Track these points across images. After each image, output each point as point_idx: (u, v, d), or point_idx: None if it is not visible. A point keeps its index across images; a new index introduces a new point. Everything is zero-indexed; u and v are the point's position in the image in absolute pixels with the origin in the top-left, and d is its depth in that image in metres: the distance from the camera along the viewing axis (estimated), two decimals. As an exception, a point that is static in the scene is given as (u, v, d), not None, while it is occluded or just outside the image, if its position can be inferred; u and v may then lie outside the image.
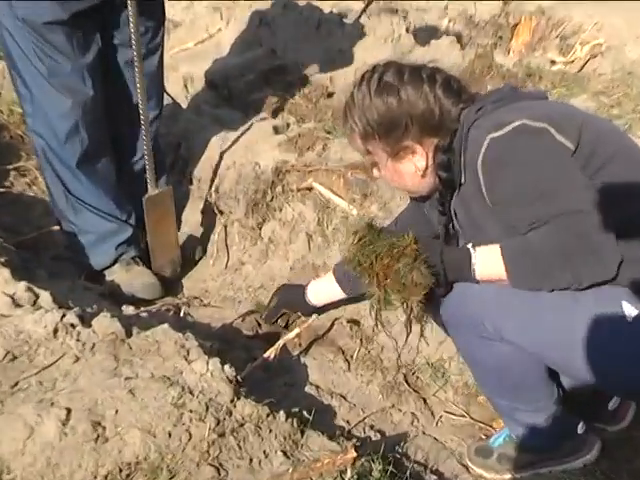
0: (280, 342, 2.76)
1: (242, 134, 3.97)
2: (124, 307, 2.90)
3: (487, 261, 2.04)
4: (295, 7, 5.37)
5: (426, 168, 2.29)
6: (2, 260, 2.79)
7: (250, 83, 4.67)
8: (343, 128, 2.41)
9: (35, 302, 2.49)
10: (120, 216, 3.38)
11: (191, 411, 2.08)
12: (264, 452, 2.09)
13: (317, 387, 2.75)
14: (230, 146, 3.89)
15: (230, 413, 2.14)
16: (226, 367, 2.28)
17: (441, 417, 2.74)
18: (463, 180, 2.18)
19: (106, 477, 1.93)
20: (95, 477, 1.92)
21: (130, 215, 3.44)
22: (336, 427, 2.55)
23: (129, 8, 2.84)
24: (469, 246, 2.09)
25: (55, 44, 2.92)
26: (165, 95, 3.61)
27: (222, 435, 2.07)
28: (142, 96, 3.04)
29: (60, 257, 3.48)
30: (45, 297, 2.52)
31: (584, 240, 1.91)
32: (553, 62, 5.11)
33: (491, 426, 2.69)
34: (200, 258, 3.67)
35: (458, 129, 2.18)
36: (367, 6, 5.40)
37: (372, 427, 2.62)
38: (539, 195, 1.97)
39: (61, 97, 3.01)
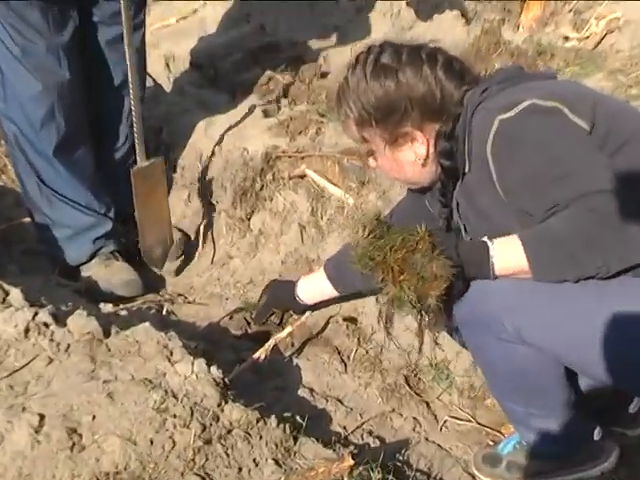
0: (271, 342, 2.77)
1: (229, 118, 3.97)
2: (102, 305, 2.90)
3: (506, 253, 2.02)
4: (286, -21, 5.36)
5: (427, 156, 2.29)
6: (-32, 254, 2.79)
7: (237, 62, 4.66)
8: (337, 114, 2.41)
9: (5, 299, 2.50)
10: (99, 209, 3.38)
11: (175, 416, 2.08)
12: (254, 460, 2.09)
13: (311, 390, 2.75)
14: (216, 131, 3.89)
15: (217, 418, 2.14)
16: (213, 369, 2.29)
17: (445, 422, 2.74)
18: (467, 169, 2.18)
19: (83, 488, 1.93)
20: (71, 488, 1.92)
21: (109, 208, 3.44)
22: (332, 433, 2.55)
23: None
24: (484, 239, 2.07)
25: (29, 21, 2.91)
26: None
27: (208, 442, 2.07)
28: (132, 74, 3.04)
29: (32, 251, 3.48)
30: (15, 294, 2.52)
31: (610, 220, 1.89)
32: (566, 38, 5.10)
33: (499, 431, 2.69)
34: (184, 252, 3.67)
35: (461, 113, 2.17)
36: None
37: (371, 433, 2.62)
38: (556, 178, 1.96)
39: (35, 80, 3.01)
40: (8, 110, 3.10)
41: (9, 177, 3.79)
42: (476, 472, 2.51)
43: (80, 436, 2.01)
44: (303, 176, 3.58)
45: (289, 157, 3.65)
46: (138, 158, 3.24)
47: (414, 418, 2.73)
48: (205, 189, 3.72)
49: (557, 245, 1.94)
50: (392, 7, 5.06)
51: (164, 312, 3.14)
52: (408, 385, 2.84)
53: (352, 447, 2.43)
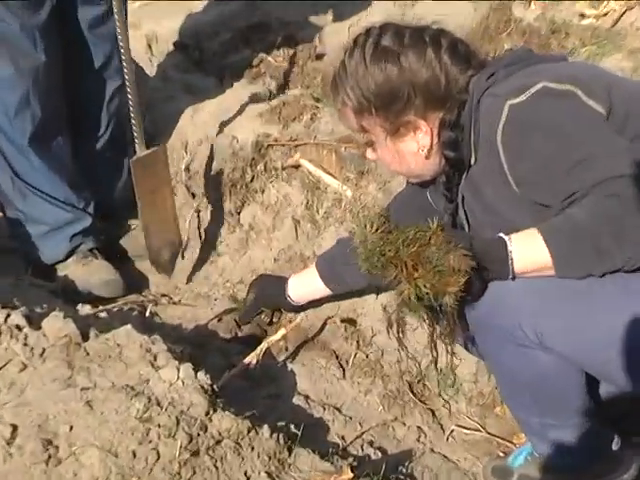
0: (263, 345, 2.78)
1: (217, 103, 3.97)
2: (79, 306, 2.89)
3: (526, 248, 2.00)
4: (278, -48, 5.36)
5: (431, 147, 2.28)
6: None
7: (226, 43, 4.66)
8: (332, 102, 2.40)
9: (-27, 301, 2.50)
10: (77, 203, 3.39)
11: (159, 426, 2.09)
12: (245, 473, 2.09)
13: (307, 398, 2.77)
14: (202, 118, 3.89)
15: (205, 428, 2.14)
16: (200, 375, 2.29)
17: (452, 432, 2.75)
18: (473, 160, 2.18)
19: (59, 504, 1.94)
20: (47, 504, 1.93)
21: (88, 202, 3.45)
22: (329, 444, 2.56)
23: None
24: (501, 234, 2.05)
25: None
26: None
27: (196, 454, 2.07)
28: (125, 50, 3.03)
29: (3, 249, 3.49)
30: (-15, 295, 2.52)
31: (635, 206, 1.89)
32: (582, 15, 5.09)
33: (511, 442, 2.70)
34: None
35: (467, 100, 2.17)
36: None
37: (371, 444, 2.63)
38: (573, 164, 1.95)
39: (8, 63, 3.00)
40: (-22, 96, 3.09)
41: (-22, 169, 3.78)
42: (485, 485, 2.52)
43: (56, 448, 2.01)
44: (297, 166, 3.59)
45: (282, 146, 3.65)
46: (137, 147, 3.21)
47: (418, 427, 2.74)
48: (191, 181, 3.73)
49: (581, 236, 1.93)
50: (393, -18, 5.07)
51: (147, 314, 3.15)
52: (412, 392, 2.85)
53: (351, 459, 2.41)
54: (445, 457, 2.64)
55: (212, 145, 3.74)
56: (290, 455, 2.20)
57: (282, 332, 2.85)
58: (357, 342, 2.99)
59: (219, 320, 3.14)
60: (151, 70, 4.43)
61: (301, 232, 3.44)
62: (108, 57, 3.29)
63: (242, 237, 3.57)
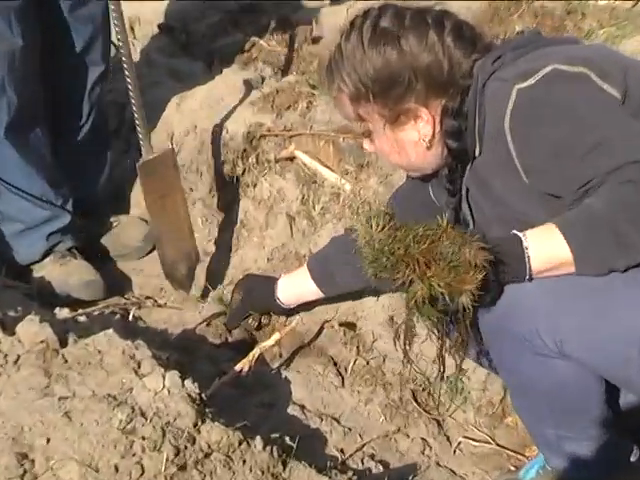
0: (255, 351, 2.79)
1: (205, 91, 3.97)
2: (57, 310, 2.91)
3: (543, 244, 1.99)
4: None
5: (432, 136, 2.29)
6: None
7: (214, 26, 4.67)
8: (328, 89, 2.40)
9: (-58, 304, 2.51)
10: (55, 200, 3.39)
11: (143, 438, 2.09)
12: (236, 489, 2.11)
13: (302, 407, 2.78)
14: (190, 106, 3.90)
15: (193, 440, 2.14)
16: (187, 383, 2.29)
17: (459, 444, 2.77)
18: (478, 150, 2.19)
19: (36, 522, 1.94)
20: (22, 523, 1.94)
21: (67, 199, 3.45)
22: (327, 457, 2.57)
23: None
24: (515, 231, 2.03)
25: None
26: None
27: (183, 468, 2.07)
28: (126, 50, 3.02)
29: (-26, 249, 3.49)
30: (-45, 298, 2.53)
31: None
32: (600, -6, 5.12)
33: (522, 454, 2.72)
34: (154, 248, 3.68)
35: (471, 86, 2.18)
36: None
37: (372, 457, 2.64)
38: (587, 150, 1.95)
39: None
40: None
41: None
42: (495, 501, 2.54)
43: (32, 462, 2.02)
44: (292, 158, 3.60)
45: (275, 136, 3.66)
46: (143, 150, 3.20)
47: (423, 439, 2.75)
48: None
49: (600, 228, 1.92)
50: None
51: (130, 317, 3.16)
52: (416, 401, 2.86)
53: (351, 473, 2.42)
54: (452, 471, 2.65)
55: (200, 136, 3.74)
56: (285, 469, 2.20)
57: (276, 337, 2.86)
58: (357, 347, 3.00)
59: (208, 324, 3.15)
60: (134, 55, 4.42)
61: (296, 229, 3.45)
62: (89, 41, 3.29)
63: (233, 235, 3.58)
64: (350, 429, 2.73)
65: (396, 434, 2.75)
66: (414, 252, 1.93)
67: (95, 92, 3.45)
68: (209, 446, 2.15)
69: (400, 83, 2.21)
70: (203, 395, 2.31)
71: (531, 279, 2.00)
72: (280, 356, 2.98)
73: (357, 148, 3.47)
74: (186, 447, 2.11)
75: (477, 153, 2.19)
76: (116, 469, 2.02)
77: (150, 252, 3.66)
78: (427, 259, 1.92)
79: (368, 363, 2.96)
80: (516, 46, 2.20)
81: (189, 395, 2.25)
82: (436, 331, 2.11)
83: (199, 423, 2.19)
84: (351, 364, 2.95)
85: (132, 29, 4.64)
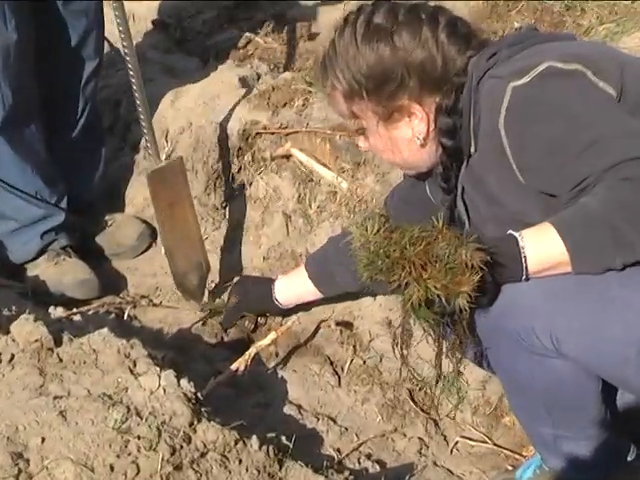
0: (251, 351, 2.80)
1: (200, 87, 3.97)
2: (51, 309, 2.91)
3: (539, 243, 1.99)
4: None
5: (427, 134, 2.30)
6: None
7: (210, 22, 4.67)
8: (321, 85, 2.42)
9: None
10: (49, 198, 3.40)
11: (139, 438, 2.10)
12: (232, 488, 2.12)
13: (299, 407, 2.79)
14: (185, 103, 3.90)
15: (189, 440, 2.16)
16: (183, 382, 2.31)
17: (456, 444, 2.78)
18: (473, 148, 2.20)
19: (31, 522, 1.96)
20: (17, 523, 1.95)
21: (62, 196, 3.46)
22: (323, 457, 2.58)
23: None
24: (511, 231, 2.03)
25: None
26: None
27: (179, 468, 2.09)
28: (130, 53, 3.02)
29: (-32, 247, 3.50)
30: (-52, 297, 2.54)
31: None
32: (600, -10, 5.12)
33: (520, 454, 2.73)
34: (149, 247, 3.69)
35: (466, 83, 2.19)
36: None
37: (369, 456, 2.65)
38: (583, 147, 1.96)
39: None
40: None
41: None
42: (492, 501, 2.55)
43: (27, 462, 2.03)
44: (288, 156, 3.59)
45: (271, 134, 3.66)
46: (152, 158, 3.20)
47: (420, 439, 2.77)
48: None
49: (597, 227, 1.92)
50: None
51: (125, 316, 3.18)
52: (413, 400, 2.88)
53: (347, 473, 2.44)
54: (449, 471, 2.66)
55: (195, 133, 3.74)
56: (281, 469, 2.21)
57: (272, 336, 2.87)
58: (353, 347, 3.02)
59: (203, 324, 3.16)
60: (129, 51, 4.44)
61: (292, 228, 3.46)
62: (83, 35, 3.30)
63: (228, 234, 3.58)
64: (347, 429, 2.75)
65: (393, 434, 2.76)
66: (409, 254, 1.92)
67: (89, 87, 3.46)
68: (205, 445, 2.16)
69: (393, 79, 2.23)
70: (199, 394, 2.33)
71: (528, 279, 2.00)
72: (276, 355, 3.00)
73: (354, 146, 3.45)
74: (182, 446, 2.12)
75: (472, 151, 2.20)
76: (111, 468, 2.03)
77: (145, 251, 3.68)
78: (423, 261, 1.91)
79: (365, 362, 2.97)
80: (511, 43, 2.21)
81: (185, 394, 2.26)
82: (433, 333, 2.10)
83: (195, 422, 2.20)
84: (348, 363, 2.96)
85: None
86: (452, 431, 2.82)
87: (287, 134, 3.63)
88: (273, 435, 2.40)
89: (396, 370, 2.91)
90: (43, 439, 2.07)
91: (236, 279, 3.35)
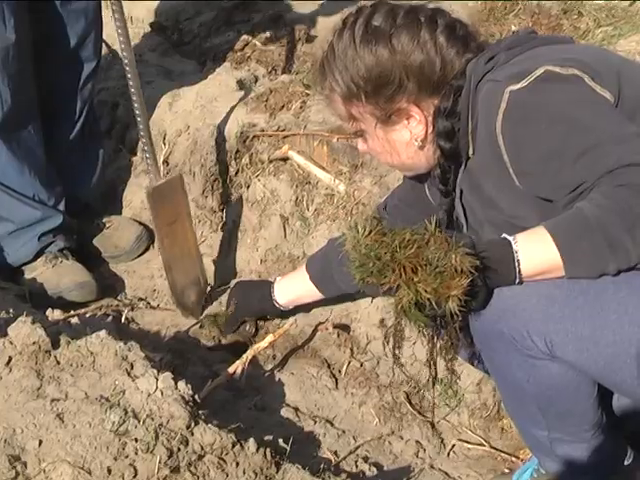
0: (248, 354, 2.80)
1: (197, 90, 3.97)
2: (49, 311, 2.91)
3: (532, 247, 1.99)
4: None
5: (425, 137, 2.31)
6: None
7: (207, 24, 4.67)
8: (320, 87, 2.42)
9: None
10: (47, 200, 3.40)
11: (136, 440, 2.11)
12: (229, 491, 2.12)
13: (296, 410, 2.80)
14: (182, 106, 3.91)
15: (186, 442, 2.16)
16: (180, 385, 2.31)
17: (453, 446, 2.79)
18: (471, 151, 2.21)
19: (28, 525, 1.96)
20: (14, 526, 1.95)
21: (59, 199, 3.46)
22: (320, 460, 2.58)
23: None
24: (504, 235, 2.02)
25: None
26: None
27: (176, 470, 2.09)
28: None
29: (-35, 249, 3.50)
30: (-54, 299, 2.54)
31: None
32: (597, -7, 5.13)
33: (517, 457, 2.74)
34: (147, 249, 3.70)
35: (464, 86, 2.20)
36: None
37: (366, 459, 2.65)
38: (580, 152, 1.96)
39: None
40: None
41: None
42: (489, 504, 2.56)
43: (24, 464, 2.04)
44: (285, 159, 3.59)
45: (269, 137, 3.66)
46: (152, 175, 3.20)
47: (417, 442, 2.77)
48: (170, 175, 3.72)
49: (591, 230, 1.91)
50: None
51: (123, 319, 3.18)
52: (409, 403, 2.88)
53: (344, 475, 2.45)
54: (446, 474, 2.66)
55: (193, 136, 3.75)
56: (278, 471, 2.21)
57: (269, 339, 2.86)
58: (351, 350, 3.02)
59: (201, 326, 3.16)
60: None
61: (290, 230, 3.46)
62: (82, 36, 3.30)
63: (226, 236, 3.59)
64: (344, 431, 2.75)
65: (390, 436, 2.77)
66: (400, 257, 1.92)
67: (87, 88, 3.46)
68: (202, 448, 2.17)
69: (391, 82, 2.24)
70: (196, 397, 2.33)
71: (521, 283, 2.00)
72: (274, 358, 3.00)
73: (351, 148, 3.46)
74: (179, 449, 2.13)
75: (470, 154, 2.21)
76: (109, 471, 2.04)
77: (143, 253, 3.68)
78: (413, 264, 1.92)
79: (362, 365, 2.98)
80: (510, 46, 2.21)
81: (182, 397, 2.27)
82: (425, 334, 2.12)
83: (192, 425, 2.20)
84: (345, 366, 2.97)
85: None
86: (449, 434, 2.83)
87: (285, 137, 3.63)
88: (270, 438, 2.41)
89: (393, 373, 2.93)
90: (40, 442, 2.08)
91: (233, 282, 3.36)
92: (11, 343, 2.37)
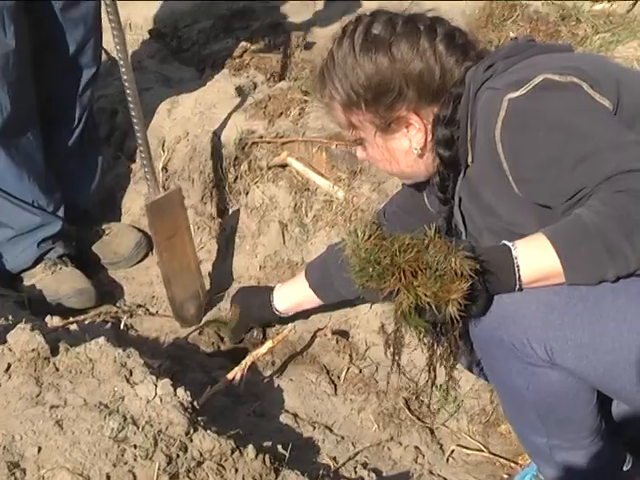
0: (247, 360, 2.80)
1: (196, 97, 3.98)
2: (48, 318, 2.91)
3: (532, 254, 1.98)
4: None
5: (424, 145, 2.31)
6: None
7: (206, 31, 4.68)
8: (319, 95, 2.42)
9: None
10: (47, 207, 3.40)
11: (135, 447, 2.11)
12: (228, 497, 2.12)
13: (295, 416, 2.80)
14: (181, 113, 3.91)
15: (185, 449, 2.16)
16: (179, 391, 2.31)
17: (452, 452, 2.78)
18: (470, 159, 2.21)
19: (28, 532, 1.96)
20: (14, 533, 1.95)
21: (59, 205, 3.45)
22: (319, 466, 2.57)
23: None
24: (504, 241, 2.02)
25: None
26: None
27: (175, 477, 2.09)
28: (129, 80, 3.03)
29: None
30: (-56, 306, 2.54)
31: None
32: (595, 0, 5.13)
33: (516, 462, 2.73)
34: (145, 256, 3.70)
35: (463, 94, 2.20)
36: None
37: (365, 465, 2.65)
38: (579, 160, 1.96)
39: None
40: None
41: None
42: (488, 509, 2.55)
43: (23, 471, 2.03)
44: (284, 165, 3.60)
45: (267, 143, 3.67)
46: (150, 188, 3.20)
47: (416, 447, 2.77)
48: (169, 181, 3.74)
49: (591, 238, 1.91)
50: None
51: (122, 326, 3.18)
52: (408, 409, 2.88)
53: (343, 481, 2.46)
54: (445, 479, 2.66)
55: (192, 143, 3.75)
56: (277, 477, 2.21)
57: (268, 345, 2.87)
58: (349, 356, 3.02)
59: (200, 333, 3.17)
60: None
61: (289, 237, 3.47)
62: (81, 42, 3.30)
63: (225, 243, 3.59)
64: (343, 437, 2.75)
65: (389, 442, 2.77)
66: (400, 261, 1.92)
67: (87, 94, 3.46)
68: (201, 454, 2.17)
69: (391, 90, 2.24)
70: (195, 403, 2.33)
71: (521, 289, 2.00)
72: (273, 364, 3.00)
73: (350, 155, 3.46)
74: (178, 455, 2.13)
75: (469, 162, 2.21)
76: (108, 478, 2.04)
77: (142, 260, 3.68)
78: (413, 268, 1.91)
79: (361, 371, 2.98)
80: (508, 54, 2.22)
81: (181, 403, 2.27)
82: (425, 341, 2.11)
83: (191, 431, 2.20)
84: (344, 372, 2.97)
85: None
86: (448, 440, 2.82)
87: (283, 143, 3.64)
88: (269, 444, 2.40)
89: (392, 379, 2.91)
90: (39, 448, 2.08)
91: (232, 288, 3.37)
92: (10, 350, 2.37)
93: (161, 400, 2.26)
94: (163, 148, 3.82)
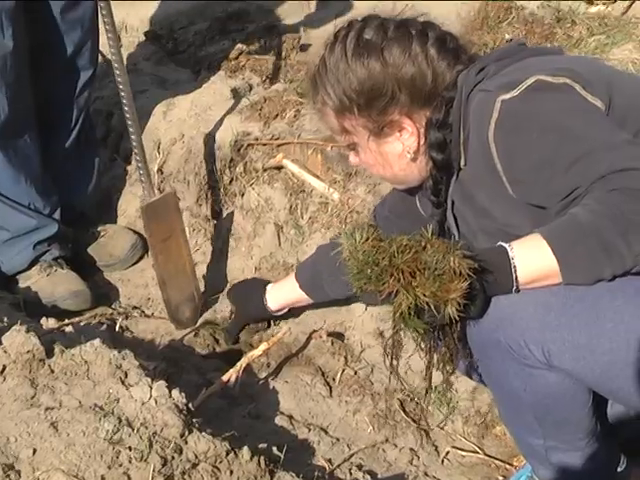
0: (242, 362, 2.80)
1: (192, 99, 3.98)
2: (43, 320, 2.90)
3: (529, 255, 1.99)
4: None
5: (417, 149, 2.32)
6: None
7: (201, 33, 4.68)
8: (312, 101, 2.43)
9: None
10: (43, 209, 3.40)
11: (130, 449, 2.11)
12: (223, 499, 2.12)
13: (290, 418, 2.80)
14: (177, 114, 3.91)
15: (180, 451, 2.16)
16: (174, 393, 2.31)
17: (447, 454, 2.79)
18: (463, 162, 2.21)
19: (22, 534, 1.96)
20: (8, 535, 1.95)
21: (55, 207, 3.45)
22: (315, 467, 2.57)
23: None
24: (501, 243, 2.02)
25: None
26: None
27: (170, 478, 2.09)
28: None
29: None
30: (-60, 308, 2.54)
31: None
32: (590, 2, 5.13)
33: (511, 464, 2.73)
34: (141, 258, 3.70)
35: (455, 97, 2.21)
36: None
37: (360, 467, 2.65)
38: (572, 160, 1.97)
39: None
40: None
41: None
42: (483, 511, 2.55)
43: (18, 473, 2.03)
44: (280, 167, 3.60)
45: (263, 145, 3.67)
46: (146, 191, 3.21)
47: (411, 449, 2.77)
48: (164, 183, 3.75)
49: (586, 237, 1.92)
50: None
51: (117, 328, 3.18)
52: (404, 411, 2.89)
53: (338, 483, 2.46)
54: (440, 481, 2.66)
55: (187, 144, 3.75)
56: (272, 479, 2.21)
57: (263, 347, 2.87)
58: (345, 357, 3.03)
59: (195, 335, 3.16)
60: (120, 62, 4.44)
61: (284, 239, 3.47)
62: (78, 44, 3.31)
63: (220, 244, 3.59)
64: (338, 439, 2.75)
65: (384, 444, 2.77)
66: (398, 262, 1.92)
67: (83, 96, 3.47)
68: (196, 456, 2.17)
69: (384, 95, 2.25)
70: (190, 405, 2.33)
71: (518, 290, 2.00)
72: (268, 366, 3.00)
73: (345, 157, 3.46)
74: (173, 457, 2.13)
75: (462, 165, 2.21)
76: (103, 479, 2.03)
77: (137, 262, 3.68)
78: (411, 269, 1.91)
79: (356, 373, 2.98)
80: (500, 57, 2.23)
81: (176, 405, 2.27)
82: (423, 344, 2.10)
83: (186, 433, 2.20)
84: (339, 374, 2.97)
85: (118, 37, 4.63)
86: (443, 441, 2.82)
87: (279, 145, 3.64)
88: (264, 446, 2.40)
89: (387, 381, 2.92)
90: (34, 450, 2.07)
91: (230, 285, 3.39)
92: (5, 352, 2.37)
93: (156, 402, 2.25)
94: (158, 150, 3.81)
